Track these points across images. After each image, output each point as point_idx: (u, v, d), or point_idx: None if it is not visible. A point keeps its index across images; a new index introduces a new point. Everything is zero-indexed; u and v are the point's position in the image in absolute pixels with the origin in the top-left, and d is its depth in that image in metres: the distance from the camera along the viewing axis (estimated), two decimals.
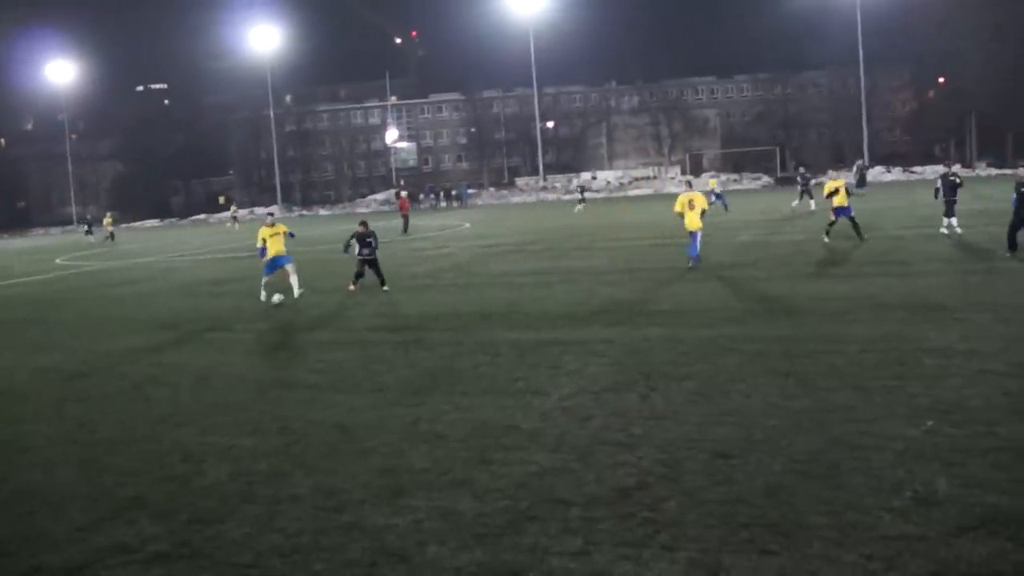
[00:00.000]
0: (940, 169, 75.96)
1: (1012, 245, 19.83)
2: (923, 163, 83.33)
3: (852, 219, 24.11)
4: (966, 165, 76.83)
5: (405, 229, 44.89)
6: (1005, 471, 7.23)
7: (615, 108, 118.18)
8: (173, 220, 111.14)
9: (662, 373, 11.07)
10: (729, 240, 27.38)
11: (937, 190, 25.00)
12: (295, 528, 7.08)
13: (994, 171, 68.77)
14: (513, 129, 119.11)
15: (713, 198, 38.26)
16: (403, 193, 55.88)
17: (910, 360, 10.84)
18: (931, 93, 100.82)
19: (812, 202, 39.31)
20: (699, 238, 21.24)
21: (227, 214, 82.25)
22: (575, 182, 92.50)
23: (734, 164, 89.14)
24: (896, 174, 77.43)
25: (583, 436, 8.81)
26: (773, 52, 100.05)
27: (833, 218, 24.22)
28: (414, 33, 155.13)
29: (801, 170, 42.74)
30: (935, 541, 6.13)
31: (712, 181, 45.07)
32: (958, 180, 24.92)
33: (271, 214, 22.38)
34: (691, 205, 21.14)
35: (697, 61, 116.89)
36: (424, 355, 13.39)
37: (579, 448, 8.46)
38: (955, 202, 24.47)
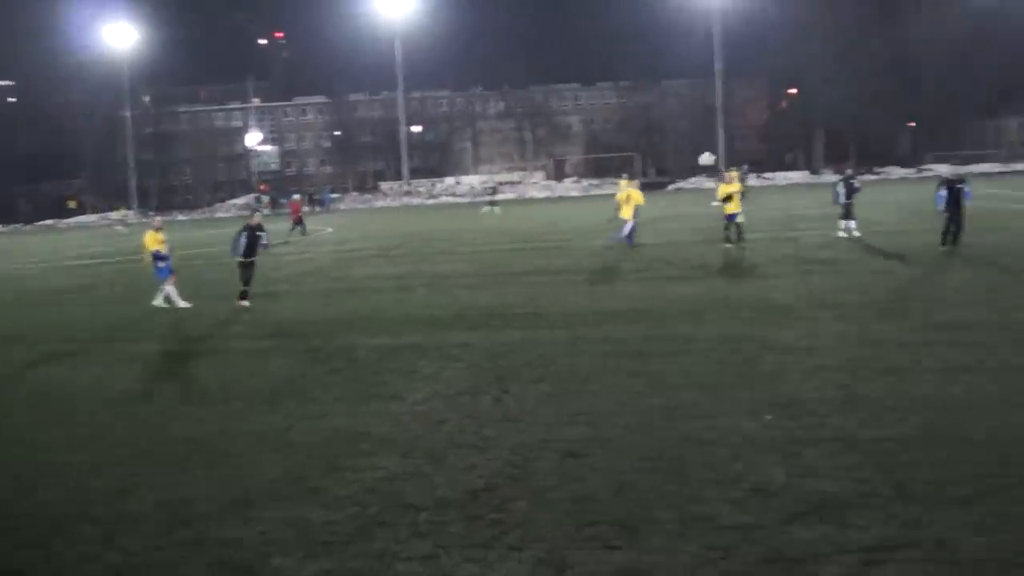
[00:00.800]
0: (805, 174, 79.27)
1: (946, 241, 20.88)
2: (775, 170, 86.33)
3: (738, 225, 24.48)
4: (813, 172, 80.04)
5: (303, 231, 44.17)
6: (834, 459, 7.63)
7: (481, 113, 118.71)
8: (18, 226, 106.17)
9: (517, 376, 11.19)
10: (590, 243, 27.85)
11: (837, 194, 25.67)
12: (135, 547, 6.86)
13: (837, 177, 72.01)
14: (378, 133, 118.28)
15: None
16: (295, 196, 54.78)
17: (754, 358, 11.28)
18: (783, 104, 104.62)
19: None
20: (631, 227, 25.19)
21: (115, 216, 79.13)
22: (437, 186, 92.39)
23: (596, 169, 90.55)
24: (751, 180, 79.96)
25: (435, 440, 8.85)
26: (635, 61, 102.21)
27: (727, 222, 24.55)
28: (279, 34, 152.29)
29: (745, 168, 43.05)
30: (769, 529, 6.40)
31: (624, 183, 44.47)
32: (857, 185, 25.81)
33: (158, 216, 21.26)
34: (628, 199, 25.29)
35: (562, 68, 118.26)
36: (279, 363, 13.20)
37: (431, 452, 8.49)
38: (853, 205, 25.25)
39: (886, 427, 8.42)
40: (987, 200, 35.78)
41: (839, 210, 25.55)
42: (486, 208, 53.56)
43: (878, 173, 74.76)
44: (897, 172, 73.42)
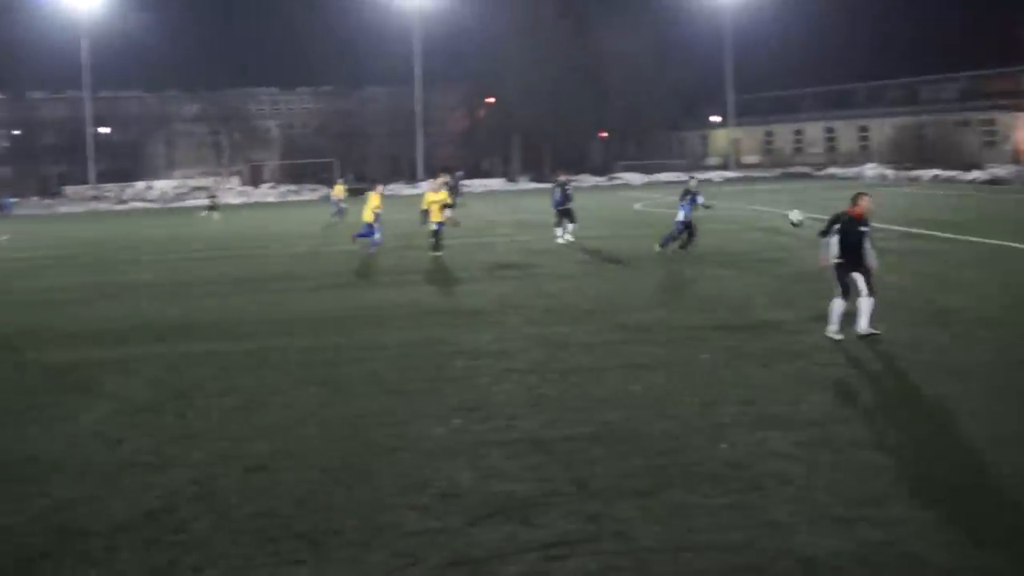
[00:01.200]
0: (502, 182, 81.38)
1: (666, 244, 22.52)
2: (474, 177, 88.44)
3: (438, 234, 24.17)
4: (510, 180, 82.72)
5: None
6: (519, 460, 7.86)
7: (175, 115, 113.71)
8: None
9: (202, 389, 10.73)
10: (283, 251, 27.30)
11: (555, 199, 26.31)
12: None
13: (533, 185, 75.25)
14: (63, 134, 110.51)
15: (337, 208, 37.82)
16: None
17: (444, 363, 11.45)
18: (482, 112, 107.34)
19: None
20: (371, 229, 25.42)
21: None
22: (127, 191, 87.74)
23: (294, 175, 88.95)
24: (464, 187, 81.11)
25: (112, 461, 8.31)
26: (335, 67, 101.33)
27: (434, 227, 24.22)
28: None
29: (460, 174, 42.70)
30: (455, 532, 6.49)
31: (338, 188, 42.56)
32: (570, 192, 26.62)
33: None
34: (368, 203, 26.04)
35: (260, 72, 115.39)
36: None
37: (106, 474, 7.96)
38: (571, 209, 26.03)
39: (570, 426, 8.77)
40: (672, 208, 38.42)
41: (554, 217, 26.31)
42: (212, 214, 50.96)
43: (574, 181, 78.47)
44: (590, 180, 77.22)
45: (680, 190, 23.74)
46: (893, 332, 12.38)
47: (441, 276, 20.30)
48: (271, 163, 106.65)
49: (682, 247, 22.32)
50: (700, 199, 22.76)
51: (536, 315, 14.73)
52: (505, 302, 16.14)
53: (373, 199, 26.18)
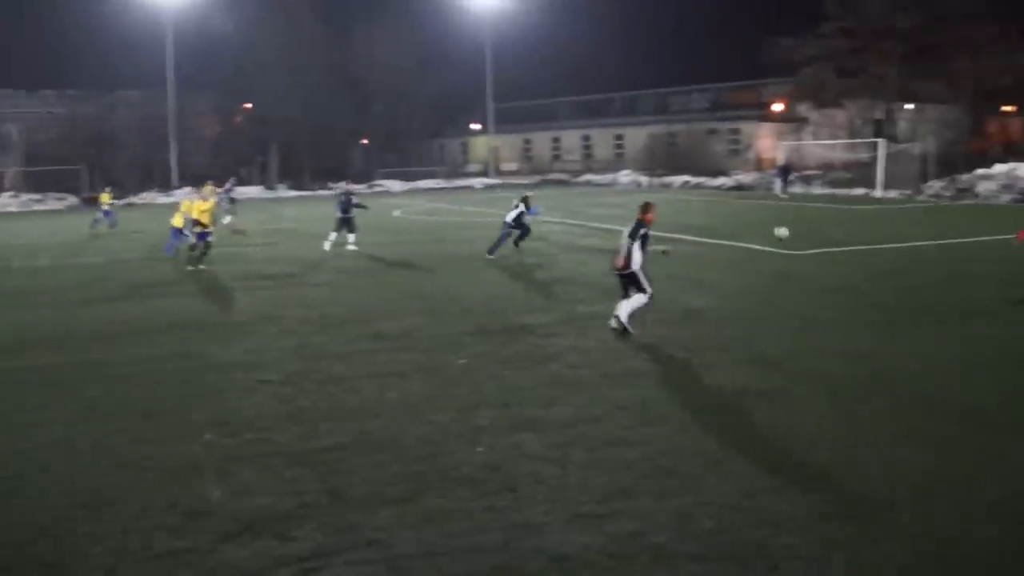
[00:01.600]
0: (260, 189, 79.36)
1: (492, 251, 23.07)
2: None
3: (207, 244, 22.98)
4: (268, 187, 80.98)
5: None
6: (272, 474, 7.77)
7: None
8: None
9: None
10: (28, 264, 25.55)
11: (342, 209, 25.74)
12: None
13: (293, 193, 74.43)
14: None
15: (102, 216, 35.43)
16: None
17: (195, 377, 11.11)
18: (238, 119, 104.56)
19: (230, 218, 34.21)
20: (178, 232, 25.39)
21: None
22: None
23: (38, 183, 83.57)
24: (236, 193, 78.39)
25: None
26: (83, 69, 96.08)
27: (194, 240, 23.01)
28: None
29: (233, 180, 41.13)
30: (203, 551, 6.35)
31: (104, 196, 39.14)
32: (355, 199, 26.28)
33: None
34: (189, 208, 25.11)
35: (1, 73, 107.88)
36: None
37: None
38: (352, 219, 25.55)
39: (325, 437, 8.73)
40: (432, 214, 38.83)
41: (335, 224, 25.87)
42: None
43: (332, 189, 77.54)
44: (352, 187, 76.85)
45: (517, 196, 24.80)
46: (645, 332, 13.04)
47: (197, 287, 19.59)
48: (12, 170, 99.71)
49: (515, 244, 23.47)
50: (535, 210, 24.02)
51: (292, 325, 14.52)
52: (261, 312, 15.81)
53: (200, 206, 24.73)
